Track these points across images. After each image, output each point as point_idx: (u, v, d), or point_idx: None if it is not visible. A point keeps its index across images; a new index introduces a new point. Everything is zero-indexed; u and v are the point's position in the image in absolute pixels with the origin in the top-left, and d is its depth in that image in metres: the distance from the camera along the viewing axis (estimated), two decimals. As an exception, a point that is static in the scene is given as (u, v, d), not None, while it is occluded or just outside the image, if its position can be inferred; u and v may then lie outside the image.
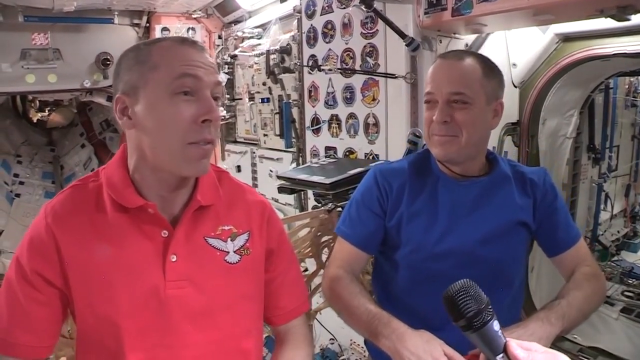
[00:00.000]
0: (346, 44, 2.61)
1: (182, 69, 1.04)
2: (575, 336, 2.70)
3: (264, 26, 3.62)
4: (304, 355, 1.28)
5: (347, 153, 2.73)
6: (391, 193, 1.54)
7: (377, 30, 2.40)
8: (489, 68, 1.47)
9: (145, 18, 4.27)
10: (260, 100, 3.72)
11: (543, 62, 2.66)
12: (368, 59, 2.48)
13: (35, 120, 7.34)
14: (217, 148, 4.43)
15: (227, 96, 4.30)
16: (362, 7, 2.08)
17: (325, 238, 1.96)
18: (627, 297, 3.61)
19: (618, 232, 4.90)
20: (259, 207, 1.28)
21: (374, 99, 2.49)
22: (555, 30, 2.52)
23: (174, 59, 1.05)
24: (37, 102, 7.29)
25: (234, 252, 1.18)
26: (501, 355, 0.89)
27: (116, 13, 4.16)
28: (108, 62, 4.20)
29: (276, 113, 3.49)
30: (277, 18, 3.41)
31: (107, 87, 4.41)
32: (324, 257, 2.04)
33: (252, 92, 3.83)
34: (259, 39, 3.63)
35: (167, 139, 1.05)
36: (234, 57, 3.94)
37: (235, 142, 4.35)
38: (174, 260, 1.10)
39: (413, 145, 2.24)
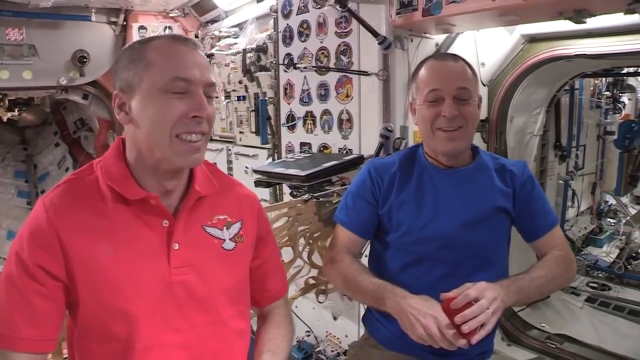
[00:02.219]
0: (321, 42, 2.68)
1: (176, 72, 1.09)
2: (543, 324, 2.83)
3: (240, 25, 3.67)
4: (287, 331, 1.39)
5: (322, 148, 2.79)
6: (383, 184, 1.67)
7: (351, 29, 2.47)
8: (472, 69, 1.62)
9: (122, 16, 4.26)
10: (236, 98, 3.76)
11: (510, 61, 2.77)
12: (342, 57, 2.55)
13: (5, 120, 7.21)
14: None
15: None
16: (337, 6, 2.15)
17: (301, 228, 2.03)
18: (592, 287, 3.81)
19: (585, 228, 5.07)
20: (250, 200, 1.37)
21: (347, 96, 2.57)
22: (522, 32, 2.65)
23: (167, 59, 1.10)
24: (7, 101, 7.16)
25: (230, 239, 1.25)
26: None
27: (93, 10, 4.15)
28: (85, 60, 4.19)
29: (252, 110, 3.53)
30: (254, 17, 3.46)
31: (83, 85, 4.40)
32: (299, 248, 2.11)
33: (228, 90, 3.87)
34: (235, 38, 3.67)
35: (157, 133, 1.10)
36: (210, 56, 3.97)
37: (210, 140, 4.36)
38: (176, 248, 1.16)
39: (385, 140, 2.32)
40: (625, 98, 6.69)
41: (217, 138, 4.15)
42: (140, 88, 1.10)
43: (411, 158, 1.71)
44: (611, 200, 6.10)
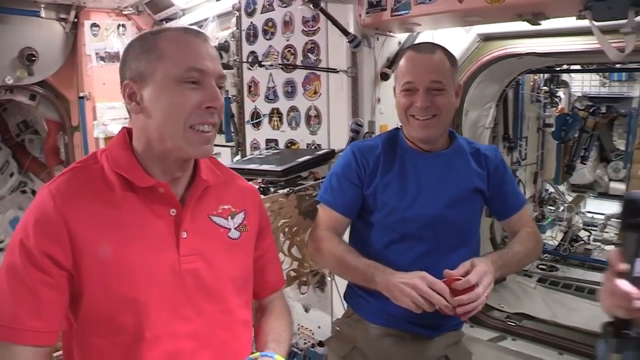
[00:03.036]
0: (287, 40, 2.73)
1: (190, 62, 1.11)
2: (502, 305, 3.02)
3: (199, 23, 3.64)
4: (288, 322, 1.41)
5: (289, 144, 2.84)
6: (368, 166, 1.74)
7: (318, 28, 2.54)
8: (452, 58, 1.72)
9: (73, 13, 4.12)
10: None
11: (466, 58, 2.92)
12: (310, 54, 2.61)
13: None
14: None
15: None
16: (310, 5, 2.22)
17: (282, 221, 2.09)
18: (541, 269, 4.13)
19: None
20: (251, 192, 1.40)
21: (315, 92, 2.63)
22: (478, 31, 2.81)
23: (180, 49, 1.11)
24: None
25: (235, 229, 1.27)
26: None
27: (42, 6, 3.98)
28: (33, 58, 4.02)
29: (215, 109, 3.52)
30: (215, 15, 3.45)
31: (31, 85, 4.24)
32: (280, 241, 2.16)
33: None
34: None
35: (172, 123, 1.11)
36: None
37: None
38: (184, 236, 1.16)
39: (356, 134, 2.42)
40: (560, 93, 7.12)
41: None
42: (154, 78, 1.11)
43: (393, 142, 1.80)
44: (551, 189, 6.48)
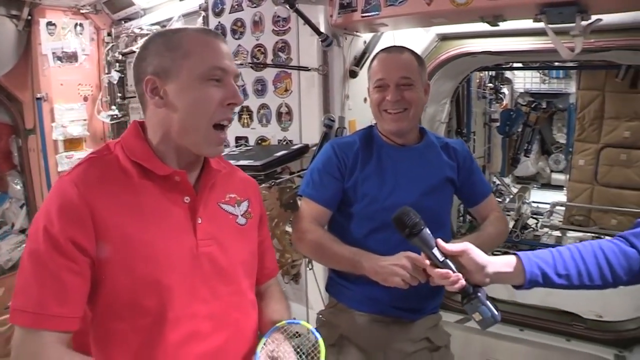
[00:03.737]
0: (257, 40, 2.80)
1: (214, 61, 1.19)
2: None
3: (162, 23, 3.64)
4: (287, 306, 1.51)
5: (260, 141, 2.91)
6: (348, 160, 1.86)
7: (289, 27, 2.63)
8: (420, 59, 1.90)
9: (26, 10, 3.97)
10: None
11: (425, 57, 3.07)
12: (280, 53, 2.70)
13: None
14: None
15: (119, 95, 4.23)
16: (287, 6, 2.32)
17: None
18: (493, 254, 4.33)
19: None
20: (252, 182, 1.50)
21: (286, 90, 2.72)
22: (437, 31, 2.99)
23: (205, 49, 1.20)
24: None
25: (241, 215, 1.36)
26: (434, 248, 1.41)
27: (-9, 1, 3.81)
28: (-17, 57, 3.85)
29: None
30: (180, 15, 3.45)
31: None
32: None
33: None
34: None
35: (196, 118, 1.19)
36: (127, 54, 3.92)
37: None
38: (200, 222, 1.23)
39: (328, 129, 2.53)
40: (505, 89, 7.50)
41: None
42: (179, 74, 1.18)
43: (369, 138, 1.93)
44: (497, 181, 6.83)
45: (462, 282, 1.38)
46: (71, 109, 4.19)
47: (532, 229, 5.19)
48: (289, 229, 2.32)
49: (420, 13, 2.16)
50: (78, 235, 1.09)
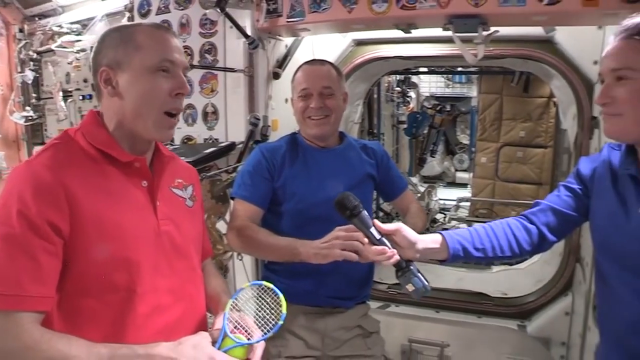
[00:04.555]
0: (184, 42, 2.81)
1: (164, 54, 1.27)
2: (382, 279, 3.42)
3: (83, 22, 3.52)
4: (224, 281, 1.67)
5: (186, 140, 2.94)
6: (276, 162, 2.01)
7: (216, 30, 2.71)
8: (338, 70, 2.10)
9: None
10: (80, 98, 3.61)
11: (342, 61, 3.30)
12: (207, 55, 2.76)
13: None
14: (22, 151, 4.17)
15: (34, 95, 4.08)
16: (217, 9, 2.42)
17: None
18: None
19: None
20: (193, 170, 1.59)
21: (212, 90, 2.78)
22: (353, 37, 3.20)
23: (155, 42, 1.27)
24: None
25: (188, 198, 1.46)
26: (372, 228, 1.52)
27: None
28: None
29: (100, 109, 3.47)
30: (104, 15, 3.35)
31: None
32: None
33: (68, 89, 3.70)
34: (77, 35, 3.56)
35: (147, 107, 1.26)
36: (43, 52, 3.79)
37: (43, 143, 4.12)
38: (158, 204, 1.32)
39: (254, 127, 2.66)
40: (411, 93, 7.95)
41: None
42: (130, 66, 1.25)
43: (294, 142, 2.10)
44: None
45: (397, 257, 1.50)
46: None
47: (440, 222, 5.60)
48: (218, 226, 2.46)
49: (341, 20, 2.33)
50: (54, 217, 1.12)
